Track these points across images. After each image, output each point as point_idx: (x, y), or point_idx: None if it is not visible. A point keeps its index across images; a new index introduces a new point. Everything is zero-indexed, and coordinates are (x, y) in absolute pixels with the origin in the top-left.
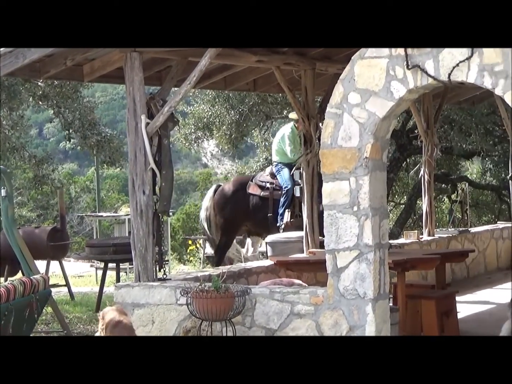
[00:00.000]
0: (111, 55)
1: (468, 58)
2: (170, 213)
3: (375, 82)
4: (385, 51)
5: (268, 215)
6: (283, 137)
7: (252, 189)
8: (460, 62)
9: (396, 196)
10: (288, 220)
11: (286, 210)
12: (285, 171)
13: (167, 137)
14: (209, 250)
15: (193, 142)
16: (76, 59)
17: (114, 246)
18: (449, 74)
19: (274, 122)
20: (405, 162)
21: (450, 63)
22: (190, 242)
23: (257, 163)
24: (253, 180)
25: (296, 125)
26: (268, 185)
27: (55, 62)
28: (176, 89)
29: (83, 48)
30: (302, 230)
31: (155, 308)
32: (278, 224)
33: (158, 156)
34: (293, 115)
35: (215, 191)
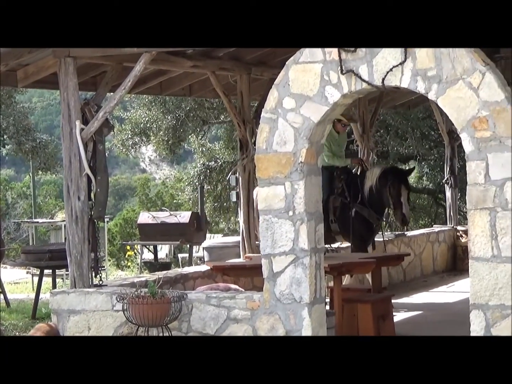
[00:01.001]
0: (45, 60)
1: (402, 63)
2: (108, 219)
3: (309, 87)
4: (319, 56)
5: None
6: None
7: None
8: (394, 67)
9: None
10: None
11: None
12: (322, 175)
13: (102, 142)
14: (147, 256)
15: (130, 147)
16: (10, 65)
17: (50, 252)
18: (383, 79)
19: (211, 127)
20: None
21: (383, 68)
22: (128, 248)
23: (194, 169)
24: None
25: (335, 125)
26: None
27: None
28: (111, 94)
29: (16, 53)
30: (338, 240)
31: (91, 314)
32: None
33: (93, 161)
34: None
35: None
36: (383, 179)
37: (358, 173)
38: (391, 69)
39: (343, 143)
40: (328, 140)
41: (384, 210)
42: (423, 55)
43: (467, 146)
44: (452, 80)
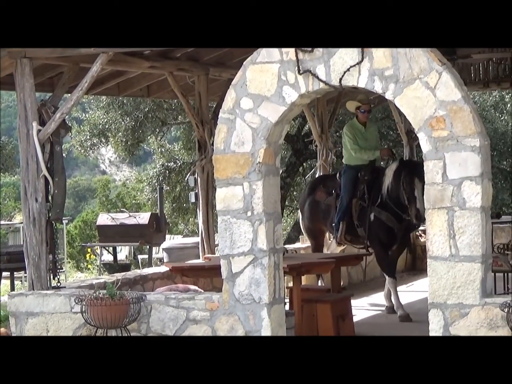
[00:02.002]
0: (1, 61)
1: (359, 63)
2: (67, 221)
3: (267, 87)
4: (277, 56)
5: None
6: (343, 134)
7: (319, 196)
8: (351, 67)
9: (294, 201)
10: (343, 234)
11: (342, 221)
12: (347, 175)
13: (60, 144)
14: (106, 257)
15: (89, 149)
16: None
17: (8, 254)
18: (340, 79)
19: (170, 128)
20: (301, 167)
21: (341, 68)
22: (89, 250)
23: (153, 169)
24: (323, 184)
25: (357, 116)
26: (333, 190)
27: None
28: (68, 95)
29: None
30: (359, 245)
31: (50, 316)
32: (333, 237)
33: (51, 163)
34: (351, 104)
35: None
36: (397, 173)
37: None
38: (348, 69)
39: (372, 136)
40: (352, 133)
41: (405, 209)
42: (380, 55)
43: (425, 145)
44: (409, 80)
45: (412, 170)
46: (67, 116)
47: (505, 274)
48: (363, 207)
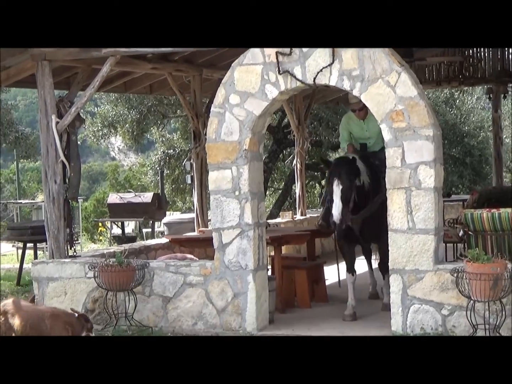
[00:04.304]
0: (24, 63)
1: (330, 65)
2: (82, 200)
3: (252, 85)
4: (260, 59)
5: None
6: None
7: None
8: (323, 68)
9: (275, 183)
10: (320, 218)
11: (323, 206)
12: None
13: (75, 134)
14: (116, 231)
15: (100, 138)
16: None
17: (32, 228)
18: (314, 78)
19: (169, 121)
20: (281, 154)
21: (315, 69)
22: (100, 224)
23: (155, 156)
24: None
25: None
26: None
27: None
28: (82, 92)
29: None
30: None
31: (67, 281)
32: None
33: (67, 150)
34: (353, 99)
35: None
36: (328, 173)
37: None
38: (321, 70)
39: (373, 128)
40: (345, 124)
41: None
42: (348, 57)
43: (386, 135)
44: (373, 79)
45: (335, 171)
46: (81, 110)
47: (454, 244)
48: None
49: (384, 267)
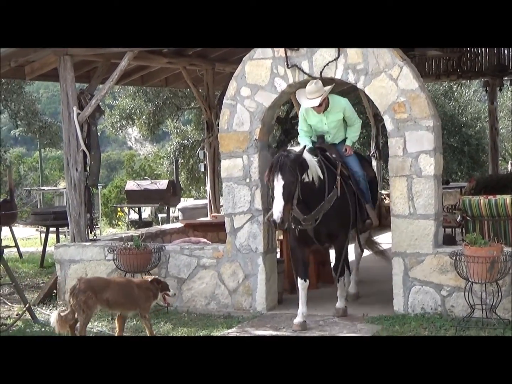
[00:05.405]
0: (47, 57)
1: (336, 59)
2: (101, 186)
3: (262, 78)
4: (270, 53)
5: None
6: None
7: None
8: (329, 62)
9: None
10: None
11: None
12: None
13: (95, 124)
14: (133, 216)
15: (118, 129)
16: (19, 61)
17: (54, 214)
18: (321, 72)
19: (183, 112)
20: (289, 143)
21: (321, 63)
22: (119, 209)
23: (170, 146)
24: None
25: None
26: None
27: (0, 64)
28: (101, 85)
29: (24, 53)
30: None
31: (88, 263)
32: None
33: (88, 140)
34: (313, 93)
35: None
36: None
37: None
38: (327, 64)
39: (333, 121)
40: (303, 115)
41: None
42: (353, 52)
43: (389, 125)
44: (376, 73)
45: (275, 166)
46: (101, 102)
47: (453, 229)
48: None
49: (337, 268)
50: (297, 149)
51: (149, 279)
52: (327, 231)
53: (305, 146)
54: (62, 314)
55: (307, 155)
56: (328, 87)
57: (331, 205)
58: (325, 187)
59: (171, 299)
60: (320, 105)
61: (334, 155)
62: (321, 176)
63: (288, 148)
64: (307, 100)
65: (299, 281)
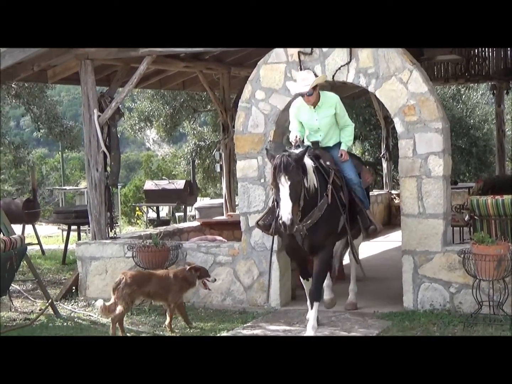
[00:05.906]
0: (69, 62)
1: (348, 63)
2: (120, 186)
3: (276, 82)
4: (284, 58)
5: None
6: None
7: None
8: (341, 66)
9: None
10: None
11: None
12: None
13: (115, 126)
14: (151, 215)
15: (137, 130)
16: (41, 65)
17: (76, 212)
18: (333, 76)
19: (200, 115)
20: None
21: (333, 67)
22: (137, 208)
23: (187, 147)
24: None
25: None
26: None
27: (24, 68)
28: (121, 89)
29: (46, 57)
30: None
31: (108, 260)
32: None
33: (108, 141)
34: (305, 79)
35: None
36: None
37: None
38: (339, 68)
39: (323, 118)
40: (294, 113)
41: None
42: (364, 57)
43: (399, 128)
44: (387, 76)
45: (280, 165)
46: (120, 105)
47: (461, 228)
48: None
49: (313, 293)
50: (296, 151)
51: (187, 268)
52: (316, 241)
53: (306, 148)
54: (106, 304)
55: (307, 160)
56: (321, 76)
57: (321, 213)
58: (318, 194)
59: (212, 285)
60: (310, 95)
61: (328, 163)
62: (316, 184)
63: (287, 149)
64: (297, 85)
65: (302, 281)
